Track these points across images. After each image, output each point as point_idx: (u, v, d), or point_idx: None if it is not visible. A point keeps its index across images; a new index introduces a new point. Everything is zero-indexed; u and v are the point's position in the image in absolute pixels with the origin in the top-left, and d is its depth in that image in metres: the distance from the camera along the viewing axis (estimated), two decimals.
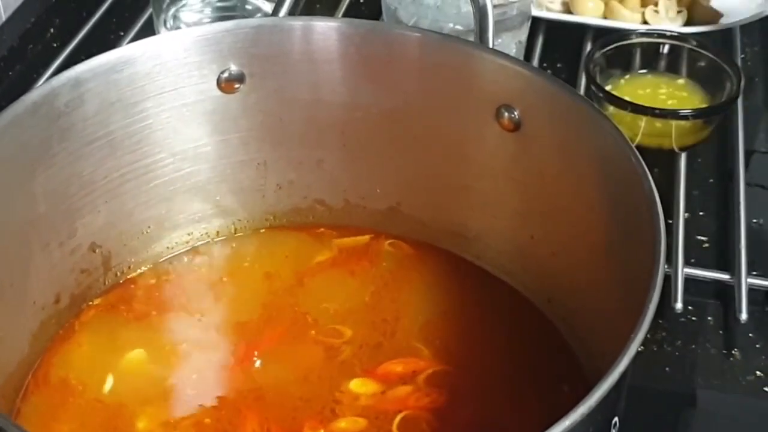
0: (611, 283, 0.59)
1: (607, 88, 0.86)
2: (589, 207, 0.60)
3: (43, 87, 0.60)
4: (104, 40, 0.97)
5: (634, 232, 0.55)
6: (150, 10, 0.95)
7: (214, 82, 0.66)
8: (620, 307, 0.55)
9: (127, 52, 0.63)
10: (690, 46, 0.88)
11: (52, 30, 0.98)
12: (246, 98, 0.67)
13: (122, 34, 0.98)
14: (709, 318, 0.75)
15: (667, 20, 0.96)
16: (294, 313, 0.67)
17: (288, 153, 0.70)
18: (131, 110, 0.64)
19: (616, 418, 0.51)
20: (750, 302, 0.74)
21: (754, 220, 0.82)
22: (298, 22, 0.65)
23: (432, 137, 0.67)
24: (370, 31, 0.65)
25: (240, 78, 0.66)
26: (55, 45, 0.97)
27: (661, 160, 0.83)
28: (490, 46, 0.64)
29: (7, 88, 0.91)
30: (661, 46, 0.89)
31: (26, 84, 0.90)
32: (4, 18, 0.94)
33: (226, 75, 0.66)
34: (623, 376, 0.47)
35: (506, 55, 0.64)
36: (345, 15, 0.99)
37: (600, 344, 0.58)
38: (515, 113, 0.63)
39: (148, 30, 0.95)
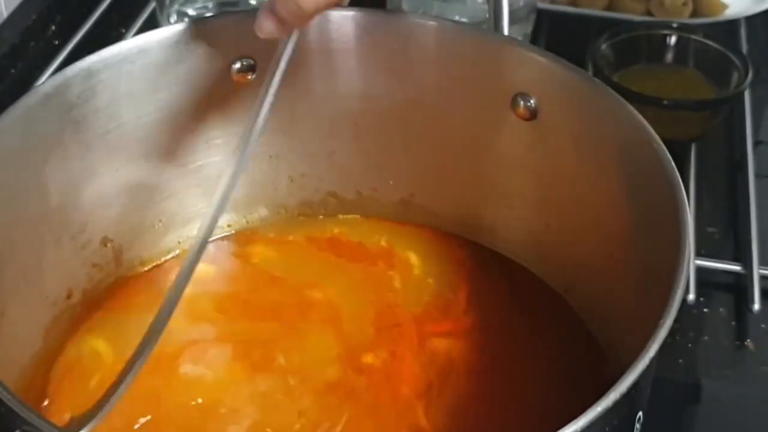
0: (630, 273, 0.58)
1: (614, 79, 0.85)
2: (608, 195, 0.60)
3: (55, 78, 0.60)
4: (106, 37, 0.97)
5: (656, 220, 0.54)
6: (152, 6, 0.95)
7: (227, 73, 0.65)
8: (640, 298, 0.54)
9: (139, 42, 0.62)
10: (697, 38, 0.88)
11: (53, 27, 0.97)
12: (258, 89, 0.66)
13: (124, 31, 0.97)
14: (721, 309, 0.74)
15: (673, 12, 0.96)
16: (308, 308, 0.66)
17: (300, 145, 0.69)
18: (143, 101, 0.63)
19: (640, 413, 0.51)
20: (762, 293, 0.74)
21: (765, 211, 0.81)
22: None
23: (446, 127, 0.67)
24: (385, 20, 0.65)
25: (252, 68, 0.65)
26: (56, 42, 0.96)
27: (669, 151, 0.82)
28: (506, 33, 0.64)
29: (9, 86, 0.90)
30: (668, 38, 0.89)
31: (28, 82, 0.89)
32: (5, 15, 0.93)
33: (238, 66, 0.65)
34: (651, 363, 0.46)
35: (522, 43, 0.63)
36: None
37: (620, 334, 0.58)
38: (531, 102, 0.62)
39: (151, 26, 0.94)
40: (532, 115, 0.63)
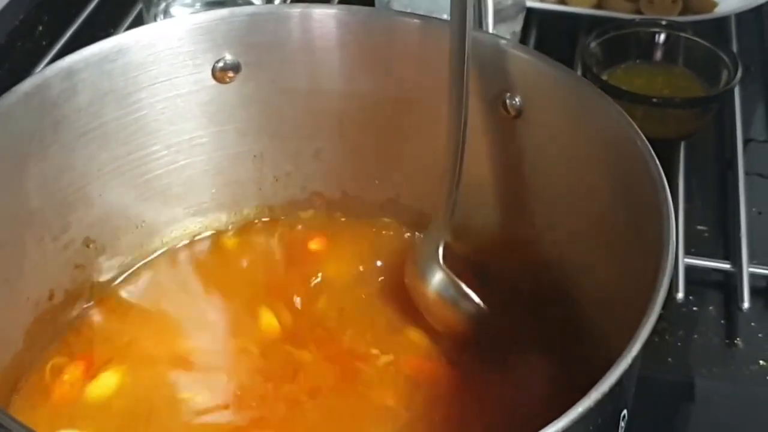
0: (617, 272, 0.58)
1: (603, 78, 0.85)
2: (594, 193, 0.59)
3: (35, 77, 0.59)
4: (93, 37, 0.95)
5: (641, 217, 0.54)
6: (139, 6, 0.94)
7: (209, 72, 0.65)
8: (626, 296, 0.54)
9: (120, 41, 0.62)
10: (686, 35, 0.88)
11: (40, 28, 0.97)
12: (242, 88, 0.66)
13: (112, 31, 0.97)
14: (710, 308, 0.74)
15: (662, 9, 0.95)
16: (297, 308, 0.66)
17: (285, 144, 0.69)
18: (125, 101, 0.63)
19: (624, 411, 0.50)
20: (751, 291, 0.73)
21: (754, 209, 0.81)
22: (295, 10, 0.64)
23: (431, 125, 0.66)
24: (369, 18, 0.64)
25: (235, 67, 0.65)
26: (44, 43, 0.95)
27: (658, 149, 0.81)
28: (490, 31, 0.63)
29: None
30: (657, 36, 0.89)
31: (15, 82, 0.88)
32: None
33: (221, 64, 0.65)
34: (635, 361, 0.46)
35: (506, 40, 0.62)
36: None
37: (606, 333, 0.58)
38: (516, 99, 0.62)
39: (138, 26, 0.93)
40: (517, 113, 0.62)
